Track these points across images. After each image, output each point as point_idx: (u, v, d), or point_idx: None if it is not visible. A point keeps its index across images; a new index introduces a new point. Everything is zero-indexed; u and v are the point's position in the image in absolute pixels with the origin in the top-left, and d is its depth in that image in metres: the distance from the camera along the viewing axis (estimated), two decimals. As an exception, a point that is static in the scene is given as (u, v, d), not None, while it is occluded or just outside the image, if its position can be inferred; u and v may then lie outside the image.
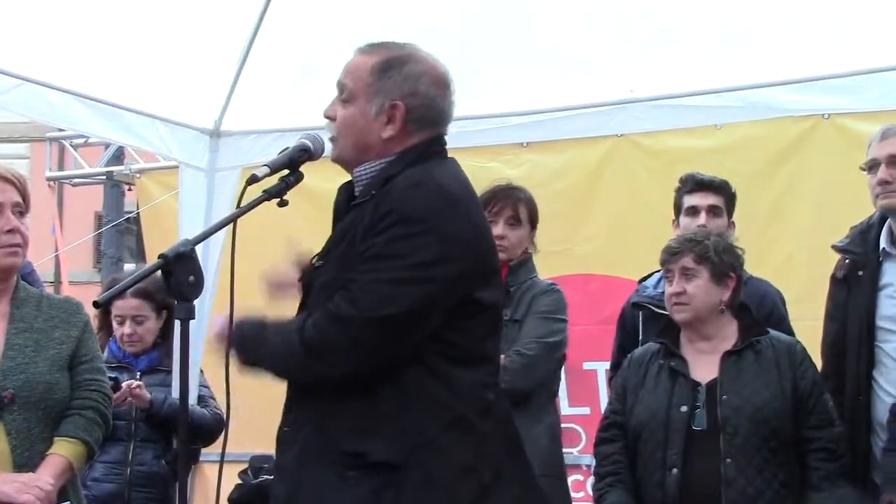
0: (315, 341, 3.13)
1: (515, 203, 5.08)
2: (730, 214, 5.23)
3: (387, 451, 3.12)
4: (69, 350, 4.07)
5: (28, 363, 3.95)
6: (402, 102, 3.27)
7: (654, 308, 5.08)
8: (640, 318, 5.21)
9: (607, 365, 5.97)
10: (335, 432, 3.15)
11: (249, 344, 3.23)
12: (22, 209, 4.05)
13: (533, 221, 5.16)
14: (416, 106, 3.29)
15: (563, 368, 5.46)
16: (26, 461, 3.90)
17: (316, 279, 3.27)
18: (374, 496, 3.09)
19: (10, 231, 3.98)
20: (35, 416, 3.95)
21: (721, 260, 4.51)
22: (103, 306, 3.08)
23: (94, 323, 5.68)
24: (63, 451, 3.98)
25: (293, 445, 3.22)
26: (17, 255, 4.03)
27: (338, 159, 3.36)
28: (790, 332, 4.79)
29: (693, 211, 5.20)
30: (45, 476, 3.89)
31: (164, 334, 5.60)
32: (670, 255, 4.57)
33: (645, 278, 5.36)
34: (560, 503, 5.04)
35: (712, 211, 5.18)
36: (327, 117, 3.35)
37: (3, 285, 4.06)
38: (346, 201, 3.37)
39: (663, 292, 4.73)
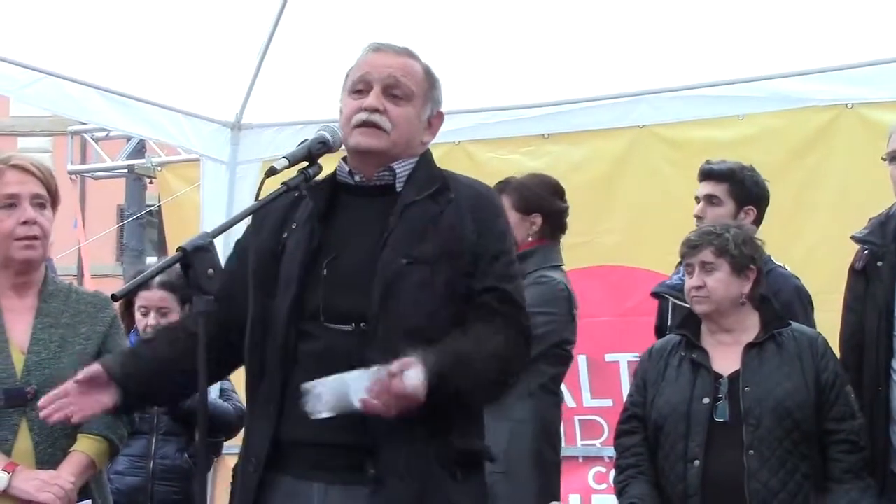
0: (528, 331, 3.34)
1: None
2: (741, 202, 5.14)
3: (488, 448, 3.37)
4: (95, 346, 4.02)
5: (52, 359, 3.91)
6: (441, 113, 3.48)
7: (672, 298, 5.07)
8: (669, 306, 5.19)
9: (629, 357, 5.96)
10: (447, 432, 3.17)
11: (458, 373, 3.11)
12: (43, 201, 3.96)
13: (526, 208, 5.15)
14: (442, 118, 3.52)
15: (576, 363, 5.40)
16: (49, 458, 3.87)
17: (402, 276, 3.17)
18: (480, 490, 3.30)
19: (25, 223, 3.90)
20: None
21: (741, 252, 4.49)
22: (121, 299, 3.06)
23: (116, 315, 5.71)
24: (86, 448, 3.94)
25: (403, 444, 3.10)
26: (35, 248, 3.95)
27: (383, 150, 3.32)
28: None
29: (696, 200, 5.19)
30: (66, 474, 3.85)
31: (186, 327, 5.59)
32: (690, 248, 4.55)
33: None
34: (507, 499, 4.92)
35: (710, 200, 5.15)
36: (374, 108, 3.31)
37: (26, 278, 4.01)
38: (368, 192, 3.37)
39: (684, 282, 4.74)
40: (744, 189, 5.18)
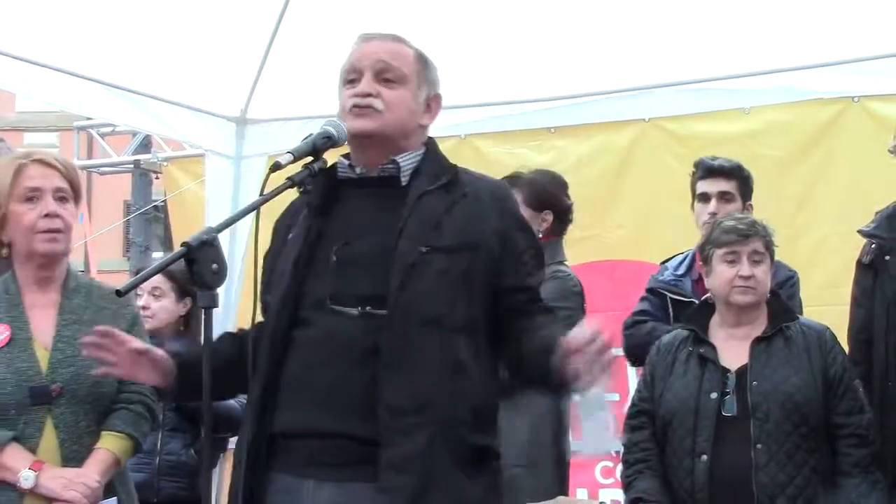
0: None
1: None
2: (745, 197, 5.18)
3: (497, 444, 3.29)
4: None
5: (76, 356, 3.86)
6: (439, 95, 3.45)
7: (669, 294, 5.09)
8: (670, 301, 5.19)
9: (637, 352, 5.93)
10: (464, 426, 3.13)
11: None
12: (65, 195, 3.97)
13: (538, 205, 5.17)
14: (440, 100, 3.48)
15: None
16: (74, 455, 3.86)
17: (421, 264, 3.15)
18: (493, 487, 3.22)
19: (47, 216, 3.91)
20: (83, 409, 3.89)
21: (772, 249, 4.50)
22: (126, 294, 3.06)
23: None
24: (110, 445, 3.94)
25: (416, 434, 3.06)
26: (57, 241, 3.96)
27: (378, 132, 3.29)
28: None
29: (704, 197, 5.18)
30: (92, 472, 3.85)
31: (189, 322, 5.58)
32: (740, 237, 4.49)
33: (667, 261, 5.37)
34: (530, 492, 4.94)
35: (723, 197, 5.16)
36: (366, 93, 3.29)
37: (48, 272, 4.00)
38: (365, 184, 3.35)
39: (682, 275, 4.77)
40: (747, 185, 5.22)
